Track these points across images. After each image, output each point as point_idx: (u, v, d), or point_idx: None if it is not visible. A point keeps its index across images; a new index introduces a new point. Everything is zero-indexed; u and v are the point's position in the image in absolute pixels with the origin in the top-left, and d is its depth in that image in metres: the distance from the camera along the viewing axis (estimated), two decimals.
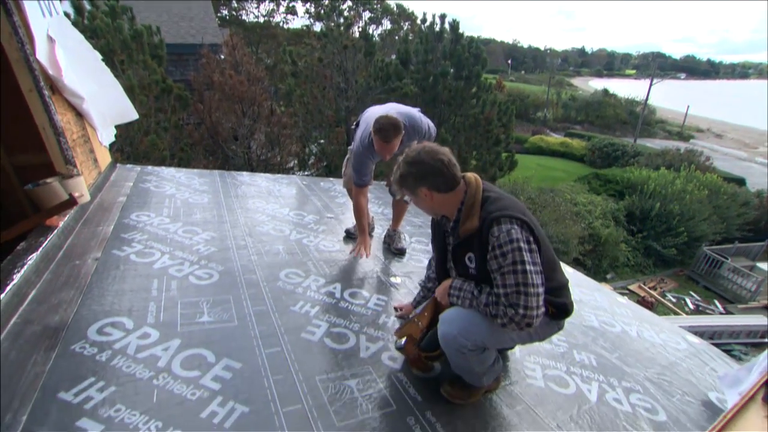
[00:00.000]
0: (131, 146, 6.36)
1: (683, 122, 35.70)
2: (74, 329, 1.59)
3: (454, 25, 9.94)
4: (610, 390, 1.82)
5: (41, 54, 2.43)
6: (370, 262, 2.69)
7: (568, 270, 3.36)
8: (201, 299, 1.93)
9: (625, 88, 39.77)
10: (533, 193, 11.52)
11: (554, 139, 25.45)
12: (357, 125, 2.58)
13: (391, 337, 1.88)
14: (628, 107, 34.39)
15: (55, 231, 2.23)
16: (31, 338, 1.52)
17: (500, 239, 1.29)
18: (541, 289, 1.29)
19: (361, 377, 1.59)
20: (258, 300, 2.01)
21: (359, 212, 2.50)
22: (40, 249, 2.01)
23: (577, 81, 67.82)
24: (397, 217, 2.91)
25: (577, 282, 3.10)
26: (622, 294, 11.96)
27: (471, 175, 1.47)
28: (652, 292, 12.37)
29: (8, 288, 1.65)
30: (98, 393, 1.31)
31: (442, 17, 9.95)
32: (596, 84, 56.08)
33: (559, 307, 1.43)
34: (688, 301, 12.64)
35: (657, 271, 13.48)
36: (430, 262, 1.83)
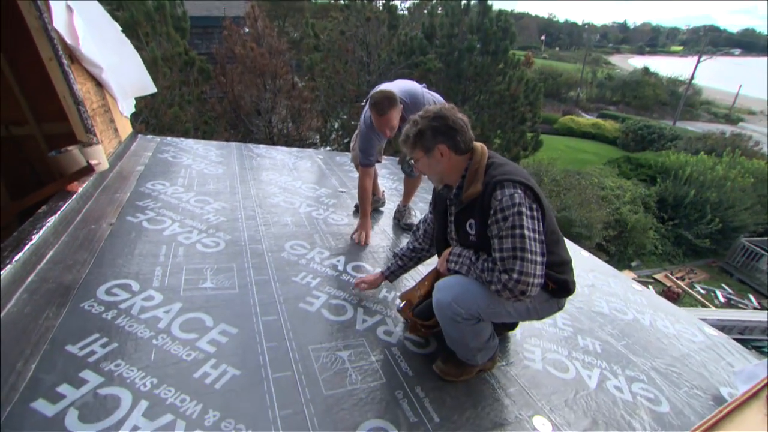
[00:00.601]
0: (156, 118, 6.52)
1: (733, 103, 33.10)
2: (85, 288, 1.67)
3: None
4: (612, 377, 1.77)
5: (59, 23, 2.46)
6: (377, 237, 2.68)
7: (583, 254, 3.25)
8: (205, 266, 1.98)
9: (669, 66, 37.11)
10: (558, 174, 11.11)
11: (586, 120, 24.28)
12: (365, 104, 2.54)
13: (389, 311, 1.88)
14: (669, 87, 32.16)
15: (74, 196, 2.32)
16: (45, 294, 1.61)
17: (503, 203, 1.25)
18: (539, 258, 1.24)
19: (354, 349, 1.60)
20: (261, 269, 2.05)
21: (363, 194, 2.49)
22: (59, 212, 2.10)
23: (615, 58, 63.68)
24: (408, 192, 2.87)
25: (592, 267, 2.99)
26: (647, 283, 11.59)
27: (477, 143, 1.43)
28: (679, 282, 11.90)
29: (27, 247, 1.74)
30: (102, 348, 1.38)
31: None
32: (636, 62, 52.52)
33: (559, 284, 1.37)
34: (718, 293, 12.09)
35: (687, 261, 12.91)
36: (414, 232, 1.80)
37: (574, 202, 9.63)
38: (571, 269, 1.46)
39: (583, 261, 3.06)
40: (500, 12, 9.57)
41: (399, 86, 2.34)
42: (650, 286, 11.57)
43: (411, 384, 1.47)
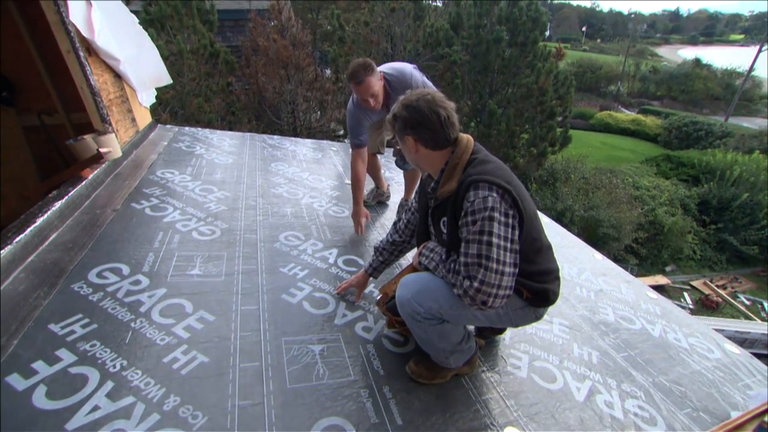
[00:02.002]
0: (183, 108, 6.75)
1: None
2: (78, 271, 1.74)
3: None
4: (604, 392, 1.65)
5: (76, 16, 2.56)
6: (376, 231, 2.65)
7: (596, 256, 3.07)
8: (197, 254, 2.02)
9: (726, 57, 34.26)
10: (588, 172, 10.58)
11: (625, 115, 22.99)
12: None
13: (371, 307, 1.85)
14: (724, 80, 29.72)
15: (84, 182, 2.44)
16: (41, 274, 1.70)
17: (474, 205, 1.17)
18: (508, 269, 1.16)
19: (328, 344, 1.58)
20: (250, 259, 2.06)
21: (354, 179, 2.43)
22: (66, 197, 2.21)
23: (663, 50, 59.65)
24: (409, 186, 2.82)
25: (604, 270, 2.82)
26: (683, 290, 10.90)
27: (464, 136, 1.34)
28: (720, 290, 11.11)
29: (29, 230, 1.84)
30: (81, 329, 1.43)
31: None
32: (687, 53, 48.90)
33: (536, 293, 1.29)
34: (766, 305, 11.21)
35: (730, 268, 12.03)
36: (395, 224, 1.74)
37: (603, 201, 9.15)
38: (557, 278, 1.36)
39: (594, 264, 2.89)
40: (530, 1, 9.15)
41: (390, 65, 2.33)
42: (686, 293, 10.88)
43: (380, 383, 1.43)
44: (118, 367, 1.30)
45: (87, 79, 2.68)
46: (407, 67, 2.31)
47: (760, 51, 24.43)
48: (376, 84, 2.17)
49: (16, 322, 1.42)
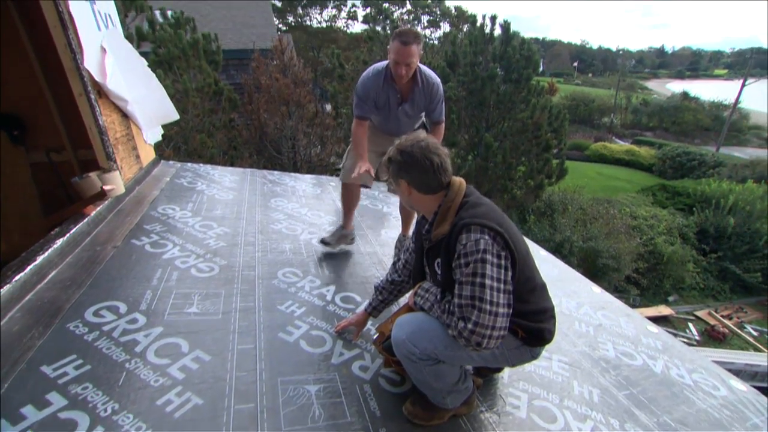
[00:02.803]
0: (186, 144, 6.93)
1: None
2: (74, 309, 1.74)
3: (505, 26, 9.56)
4: None
5: (90, 63, 2.71)
6: (373, 268, 2.66)
7: (594, 290, 3.06)
8: (194, 291, 2.02)
9: (712, 91, 35.50)
10: (585, 203, 10.68)
11: (619, 146, 23.50)
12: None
13: (368, 346, 1.83)
14: (712, 112, 30.65)
15: (86, 219, 2.48)
16: (37, 313, 1.69)
17: (467, 247, 1.20)
18: (502, 310, 1.17)
19: (325, 383, 1.56)
20: (248, 296, 2.06)
21: (355, 140, 2.33)
22: (68, 234, 2.24)
23: (652, 83, 61.89)
24: (406, 222, 2.84)
25: (603, 304, 2.80)
26: (687, 320, 10.71)
27: (457, 180, 1.39)
28: (726, 321, 10.91)
29: (29, 268, 1.86)
30: (74, 370, 1.42)
31: (493, 18, 9.63)
32: (675, 86, 50.76)
33: (532, 333, 1.29)
34: None
35: (734, 297, 11.87)
36: (394, 263, 1.76)
37: (601, 232, 9.19)
38: (552, 317, 1.37)
39: (593, 297, 2.88)
40: (523, 40, 9.62)
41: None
42: (691, 324, 10.68)
43: (376, 425, 1.40)
44: (109, 410, 1.28)
45: (96, 119, 2.79)
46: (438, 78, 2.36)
47: (743, 85, 25.42)
48: (417, 55, 2.10)
49: (8, 364, 1.41)
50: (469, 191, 1.37)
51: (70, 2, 2.40)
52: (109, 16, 3.14)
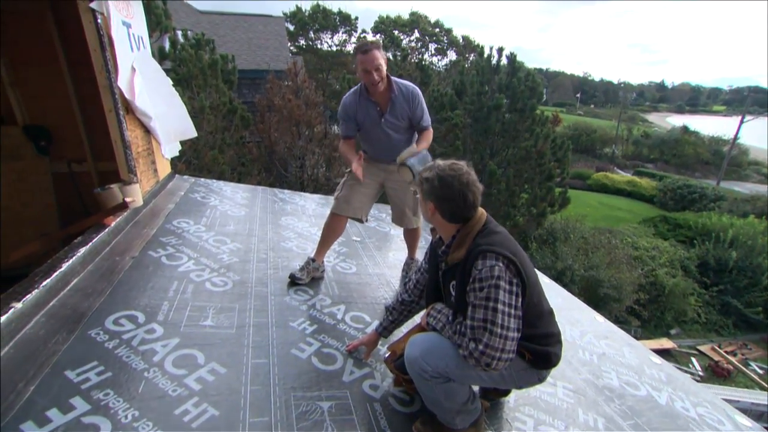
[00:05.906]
0: (197, 159, 7.09)
1: None
2: (96, 317, 1.80)
3: (511, 57, 9.90)
4: None
5: (122, 82, 2.86)
6: (382, 289, 2.71)
7: (598, 319, 3.09)
8: (209, 304, 2.08)
9: (711, 126, 36.16)
10: (587, 232, 10.74)
11: (621, 177, 23.77)
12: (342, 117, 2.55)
13: (380, 365, 1.87)
14: (712, 146, 31.14)
15: (107, 229, 2.56)
16: (60, 319, 1.75)
17: (482, 273, 1.27)
18: (512, 333, 1.23)
19: (337, 400, 1.59)
20: (261, 312, 2.12)
21: (345, 155, 2.50)
22: (90, 243, 2.32)
23: (653, 117, 63.04)
24: (411, 245, 2.90)
25: (606, 333, 2.83)
26: (690, 354, 10.55)
27: (479, 211, 1.45)
28: (730, 357, 10.73)
29: (55, 274, 1.93)
30: (96, 376, 1.46)
31: (500, 50, 9.99)
32: (675, 120, 51.66)
33: (539, 355, 1.34)
34: None
35: (738, 333, 11.72)
36: (405, 284, 1.82)
37: (602, 261, 9.21)
38: (558, 342, 1.43)
39: (596, 327, 2.91)
40: (528, 72, 9.95)
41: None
42: (693, 359, 10.52)
43: None
44: (130, 417, 1.32)
45: (122, 134, 2.92)
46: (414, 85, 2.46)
47: (742, 122, 25.98)
48: (381, 59, 2.16)
49: (34, 367, 1.46)
50: (488, 220, 1.45)
51: (111, 27, 2.57)
52: (141, 38, 3.33)
